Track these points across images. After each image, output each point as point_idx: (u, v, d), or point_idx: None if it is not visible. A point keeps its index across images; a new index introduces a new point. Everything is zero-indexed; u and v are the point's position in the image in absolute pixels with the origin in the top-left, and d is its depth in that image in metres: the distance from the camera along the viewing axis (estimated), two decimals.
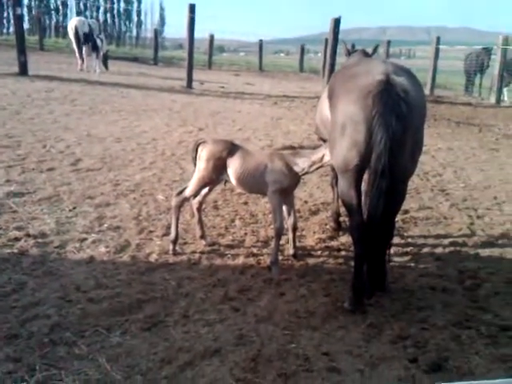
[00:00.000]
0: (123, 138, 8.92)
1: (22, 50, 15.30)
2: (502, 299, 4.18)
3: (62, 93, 13.31)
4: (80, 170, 6.85)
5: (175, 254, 4.65)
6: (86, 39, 19.91)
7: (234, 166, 4.44)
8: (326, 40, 18.21)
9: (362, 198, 3.81)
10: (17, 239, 4.62)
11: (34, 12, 53.92)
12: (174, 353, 3.19)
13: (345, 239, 5.26)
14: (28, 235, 4.72)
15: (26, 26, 44.71)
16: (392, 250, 4.08)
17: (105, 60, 20.84)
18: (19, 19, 15.47)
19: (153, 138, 9.18)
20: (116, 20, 63.33)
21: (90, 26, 20.32)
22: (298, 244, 4.89)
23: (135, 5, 64.18)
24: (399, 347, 3.42)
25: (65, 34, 35.11)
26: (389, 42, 25.22)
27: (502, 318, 3.87)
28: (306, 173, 4.38)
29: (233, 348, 3.29)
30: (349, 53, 5.60)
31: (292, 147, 4.42)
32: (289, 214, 4.62)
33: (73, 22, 20.59)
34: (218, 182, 4.71)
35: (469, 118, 14.71)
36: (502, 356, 3.36)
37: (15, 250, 4.41)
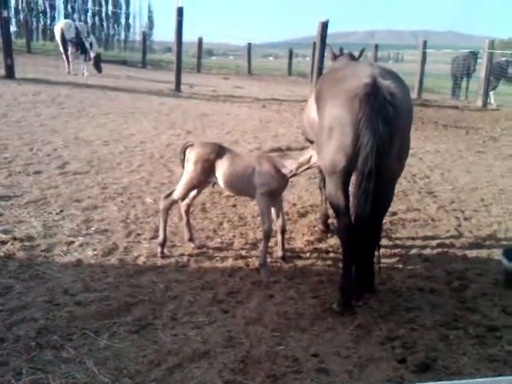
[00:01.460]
0: (111, 141, 8.88)
1: (8, 52, 15.17)
2: (489, 300, 4.22)
3: (50, 96, 13.22)
4: (67, 173, 6.80)
5: (163, 256, 4.63)
6: (74, 42, 19.77)
7: (222, 169, 4.44)
8: (314, 44, 18.28)
9: (350, 199, 3.83)
10: (3, 242, 4.58)
11: (21, 15, 53.46)
12: (163, 355, 3.18)
13: (333, 241, 5.27)
14: (14, 238, 4.67)
15: (13, 28, 44.40)
16: (380, 252, 4.09)
17: (97, 62, 20.55)
18: (6, 22, 15.34)
19: (141, 140, 9.15)
20: (104, 23, 63.07)
21: (77, 28, 20.18)
22: (286, 246, 4.90)
23: (123, 8, 63.93)
24: (388, 348, 3.44)
25: (52, 37, 34.82)
26: (377, 46, 25.36)
27: (490, 318, 3.90)
28: (294, 174, 4.40)
29: (222, 350, 3.28)
30: (334, 57, 5.61)
31: (280, 149, 4.43)
32: (277, 217, 4.63)
33: (59, 25, 20.50)
34: (207, 184, 4.71)
35: (456, 120, 14.83)
36: (489, 356, 3.39)
37: (1, 254, 4.36)
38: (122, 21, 65.30)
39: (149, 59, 34.13)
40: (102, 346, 3.24)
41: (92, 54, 20.50)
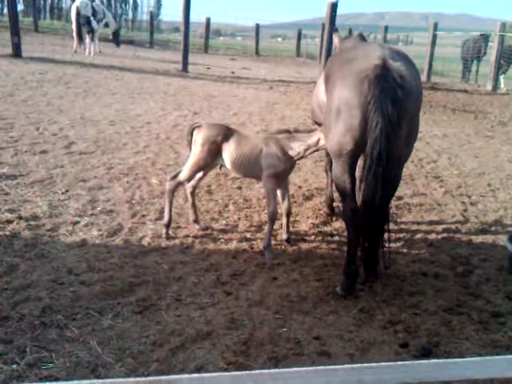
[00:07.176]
0: (117, 121, 8.86)
1: (15, 31, 15.09)
2: (493, 286, 4.21)
3: (56, 75, 13.18)
4: (73, 153, 6.80)
5: (168, 237, 4.64)
6: (83, 21, 19.58)
7: (229, 151, 4.42)
8: (323, 25, 18.07)
9: (356, 183, 3.81)
10: (9, 221, 4.60)
11: None
12: (166, 336, 3.20)
13: (338, 224, 5.26)
14: (20, 218, 4.70)
15: (20, 7, 44.14)
16: (386, 236, 4.07)
17: (116, 38, 22.15)
18: (13, 0, 15.22)
19: (147, 121, 9.13)
20: (112, 2, 62.61)
21: (93, 8, 20.00)
22: (291, 229, 4.89)
23: None
24: (390, 332, 3.44)
25: (60, 16, 34.62)
26: (386, 28, 25.03)
27: (493, 304, 3.89)
28: (301, 157, 4.38)
29: (224, 331, 3.30)
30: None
31: (287, 131, 4.41)
32: (283, 199, 4.62)
33: (75, 4, 20.30)
34: (213, 166, 4.70)
35: (465, 105, 14.66)
36: (492, 342, 3.39)
37: (7, 233, 4.39)
38: (130, 0, 64.81)
39: (156, 39, 33.91)
40: (105, 325, 3.26)
41: (110, 31, 21.99)
